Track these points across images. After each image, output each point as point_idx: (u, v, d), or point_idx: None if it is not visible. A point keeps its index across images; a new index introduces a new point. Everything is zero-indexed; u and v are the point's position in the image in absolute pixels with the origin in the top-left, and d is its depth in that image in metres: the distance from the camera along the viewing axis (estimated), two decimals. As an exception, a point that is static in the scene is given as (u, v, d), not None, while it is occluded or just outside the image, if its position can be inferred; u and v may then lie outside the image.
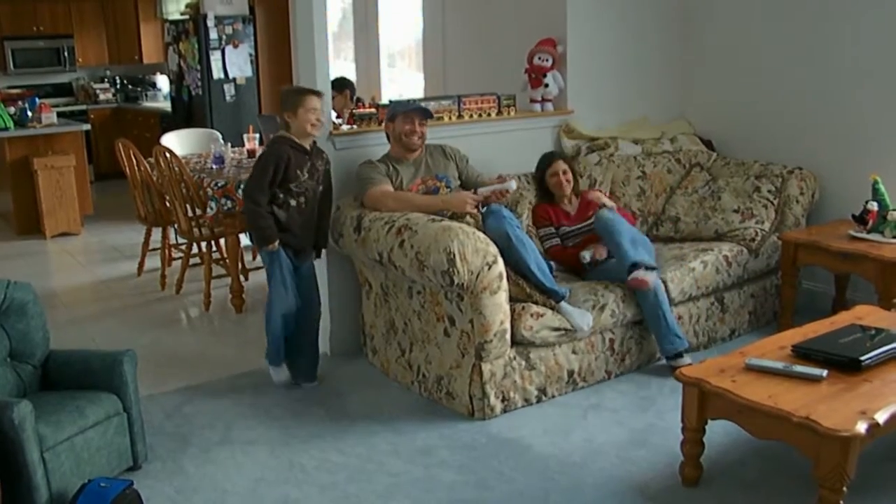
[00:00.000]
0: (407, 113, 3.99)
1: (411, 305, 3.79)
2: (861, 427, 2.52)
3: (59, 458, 2.88)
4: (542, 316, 3.62)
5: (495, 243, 3.52)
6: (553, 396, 3.78)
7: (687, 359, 3.95)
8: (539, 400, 3.73)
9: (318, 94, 3.78)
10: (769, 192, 4.61)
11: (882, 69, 4.44)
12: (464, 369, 3.59)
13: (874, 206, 4.11)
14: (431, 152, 4.13)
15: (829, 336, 3.13)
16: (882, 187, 4.12)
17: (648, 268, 3.85)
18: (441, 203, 3.83)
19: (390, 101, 4.36)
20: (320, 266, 4.24)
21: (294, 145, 3.75)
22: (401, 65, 7.91)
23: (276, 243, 3.75)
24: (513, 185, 3.93)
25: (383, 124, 4.14)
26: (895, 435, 2.94)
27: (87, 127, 8.10)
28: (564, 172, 4.41)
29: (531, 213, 4.44)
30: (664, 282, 4.05)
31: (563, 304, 3.69)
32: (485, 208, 3.88)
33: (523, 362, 3.65)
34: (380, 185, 3.89)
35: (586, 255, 4.11)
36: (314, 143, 3.85)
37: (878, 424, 2.57)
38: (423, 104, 4.20)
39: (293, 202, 3.77)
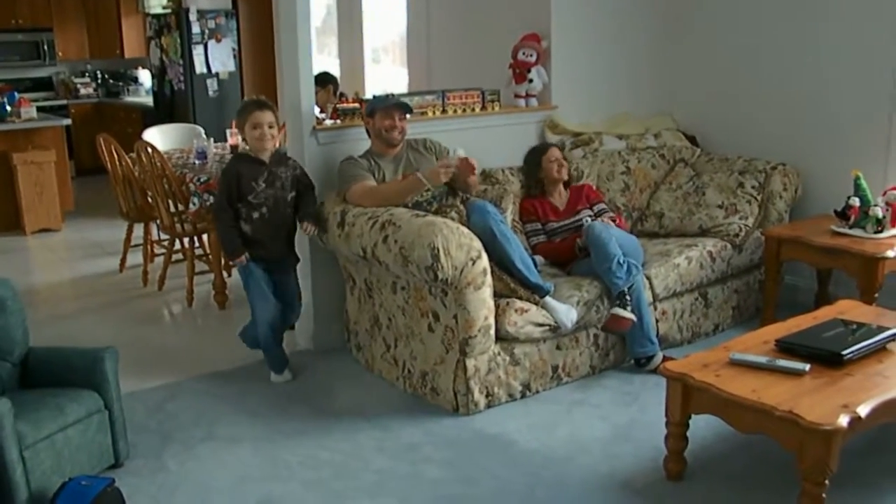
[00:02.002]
0: (386, 108, 3.97)
1: (395, 301, 3.78)
2: (843, 420, 2.54)
3: (38, 457, 2.85)
4: (526, 311, 3.61)
5: (479, 238, 3.51)
6: (537, 392, 3.78)
7: (660, 355, 3.96)
8: (523, 395, 3.73)
9: (262, 107, 3.80)
10: (753, 187, 4.62)
11: (864, 66, 4.46)
12: (448, 365, 3.58)
13: (856, 201, 4.13)
14: (412, 146, 4.12)
15: (812, 330, 3.15)
16: (864, 183, 4.13)
17: (630, 295, 3.85)
18: (418, 183, 3.80)
19: (374, 97, 4.34)
20: (304, 261, 4.22)
21: (247, 159, 3.85)
22: (385, 60, 7.88)
23: (244, 256, 3.82)
24: (460, 151, 3.85)
25: (363, 120, 4.13)
26: (877, 428, 2.96)
27: (68, 122, 8.02)
28: (560, 160, 4.45)
29: (518, 207, 4.43)
30: (648, 278, 4.06)
31: (547, 299, 3.68)
32: (468, 202, 3.88)
33: (507, 358, 3.65)
34: (362, 182, 3.88)
35: (580, 242, 4.06)
36: (276, 151, 3.89)
37: (860, 418, 2.58)
38: (405, 99, 4.18)
39: (255, 214, 3.84)
